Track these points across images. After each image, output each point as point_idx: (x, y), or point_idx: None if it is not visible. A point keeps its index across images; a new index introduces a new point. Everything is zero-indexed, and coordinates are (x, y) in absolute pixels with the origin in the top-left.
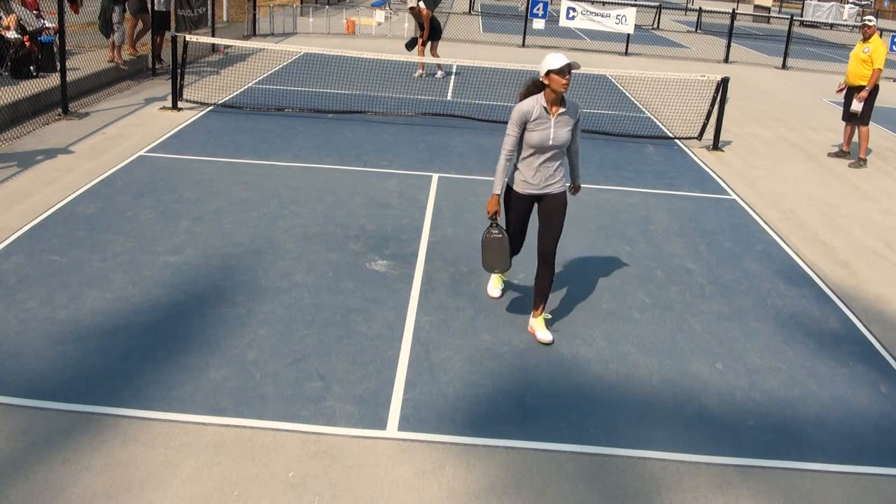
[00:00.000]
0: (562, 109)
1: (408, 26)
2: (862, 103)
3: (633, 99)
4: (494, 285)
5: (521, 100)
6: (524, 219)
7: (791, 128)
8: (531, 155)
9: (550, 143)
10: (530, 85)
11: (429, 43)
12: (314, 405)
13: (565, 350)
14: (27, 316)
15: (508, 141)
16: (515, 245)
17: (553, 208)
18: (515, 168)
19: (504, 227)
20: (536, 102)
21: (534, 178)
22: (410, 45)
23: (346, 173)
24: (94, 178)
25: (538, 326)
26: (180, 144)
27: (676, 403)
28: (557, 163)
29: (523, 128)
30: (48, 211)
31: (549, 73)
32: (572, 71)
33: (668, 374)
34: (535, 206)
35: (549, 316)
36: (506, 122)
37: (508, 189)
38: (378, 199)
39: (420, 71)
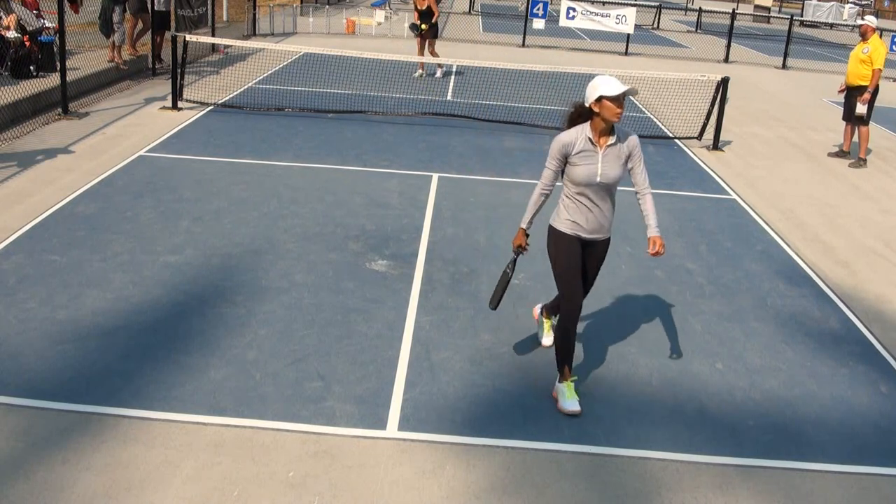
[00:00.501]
0: (611, 140)
1: (407, 26)
2: (866, 106)
3: (633, 99)
4: (568, 397)
5: (566, 128)
6: (578, 260)
7: (791, 128)
8: (580, 194)
9: (598, 179)
10: (574, 112)
11: (426, 42)
12: (314, 405)
13: None
14: (27, 316)
15: (546, 175)
16: (576, 292)
17: (595, 256)
18: (560, 206)
19: (514, 263)
20: (580, 133)
21: (585, 221)
22: (415, 28)
23: (346, 173)
24: (94, 178)
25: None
26: (180, 144)
27: (676, 403)
28: (610, 205)
29: (564, 161)
30: (48, 211)
31: (600, 99)
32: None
33: (668, 374)
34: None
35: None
36: (505, 123)
37: (551, 231)
38: (378, 199)
39: (420, 71)
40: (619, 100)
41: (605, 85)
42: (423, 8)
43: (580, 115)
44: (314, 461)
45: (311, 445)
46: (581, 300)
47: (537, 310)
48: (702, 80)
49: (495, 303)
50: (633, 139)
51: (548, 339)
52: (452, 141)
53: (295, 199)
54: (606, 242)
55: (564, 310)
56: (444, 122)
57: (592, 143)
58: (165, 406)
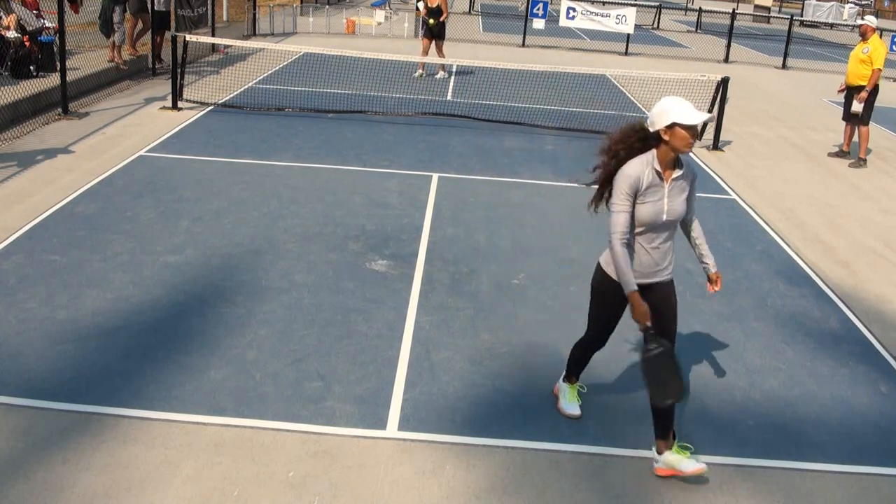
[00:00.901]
0: (677, 173)
1: (407, 26)
2: (862, 104)
3: (633, 99)
4: (570, 400)
5: (611, 156)
6: (617, 314)
7: (791, 128)
8: (640, 234)
9: (665, 217)
10: (632, 137)
11: (433, 42)
12: (314, 405)
13: (565, 350)
14: (27, 316)
15: (620, 219)
16: (604, 338)
17: (666, 299)
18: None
19: (654, 336)
20: (647, 165)
21: (640, 264)
22: (425, 22)
23: (346, 173)
24: (94, 178)
25: (677, 460)
26: (180, 144)
27: (677, 403)
28: (671, 242)
29: (635, 199)
30: (48, 211)
31: (673, 125)
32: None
33: None
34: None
35: (691, 448)
36: (506, 123)
37: (602, 275)
38: (378, 199)
39: (420, 71)
40: (695, 128)
41: (679, 109)
42: (434, 6)
43: (641, 139)
44: (314, 461)
45: (311, 445)
46: (604, 344)
47: (656, 459)
48: (702, 80)
49: (677, 389)
50: (693, 168)
51: (692, 463)
52: (452, 141)
53: (295, 199)
54: (670, 283)
55: (589, 344)
56: (444, 122)
57: (660, 176)
58: (165, 406)
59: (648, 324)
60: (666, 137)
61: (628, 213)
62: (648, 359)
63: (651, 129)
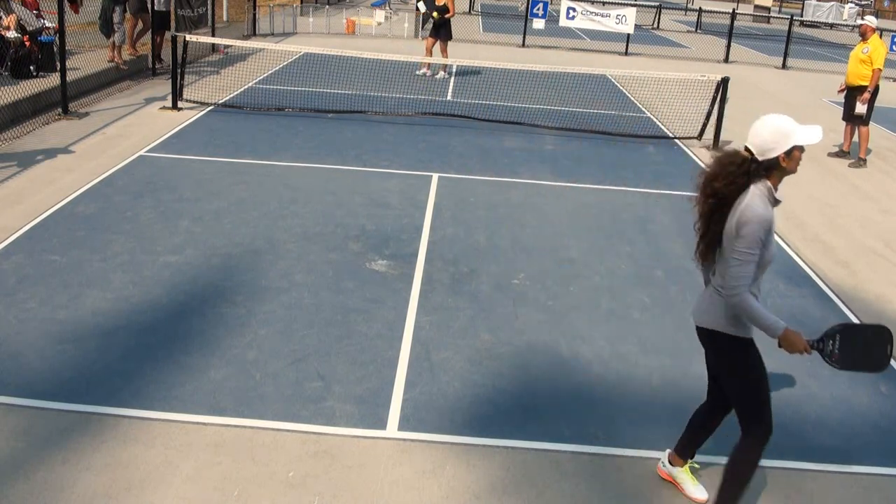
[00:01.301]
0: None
1: (407, 26)
2: (865, 105)
3: (633, 99)
4: (694, 483)
5: (708, 194)
6: (764, 364)
7: None
8: (755, 280)
9: (775, 251)
10: (734, 170)
11: (437, 42)
12: (314, 405)
13: (565, 350)
14: (27, 316)
15: (749, 270)
16: (769, 429)
17: None
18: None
19: (822, 340)
20: (765, 198)
21: None
22: (427, 13)
23: (346, 173)
24: (94, 178)
25: (686, 481)
26: (180, 144)
27: (676, 403)
28: None
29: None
30: (48, 211)
31: (792, 150)
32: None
33: (669, 374)
34: None
35: (697, 466)
36: (506, 122)
37: (732, 340)
38: (378, 199)
39: (424, 70)
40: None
41: (800, 130)
42: (441, 4)
43: (746, 172)
44: (314, 461)
45: (311, 445)
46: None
47: (665, 463)
48: (702, 80)
49: (881, 331)
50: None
51: (698, 490)
52: (452, 141)
53: (295, 199)
54: None
55: (761, 438)
56: (444, 122)
57: (774, 205)
58: (165, 406)
59: (811, 342)
60: (784, 164)
61: (756, 264)
62: (841, 359)
63: (764, 157)
